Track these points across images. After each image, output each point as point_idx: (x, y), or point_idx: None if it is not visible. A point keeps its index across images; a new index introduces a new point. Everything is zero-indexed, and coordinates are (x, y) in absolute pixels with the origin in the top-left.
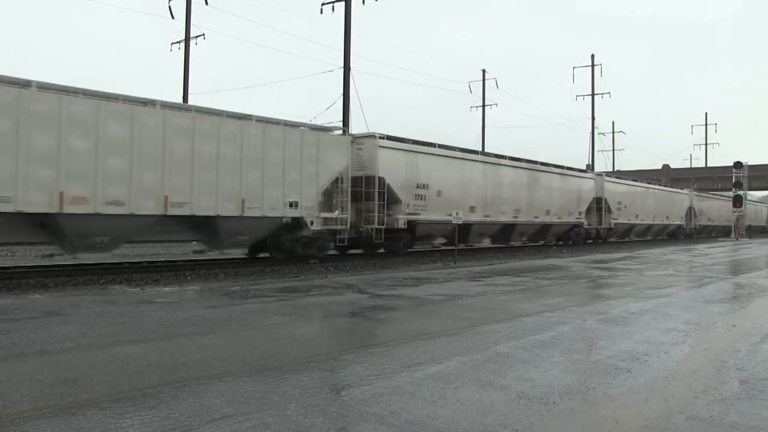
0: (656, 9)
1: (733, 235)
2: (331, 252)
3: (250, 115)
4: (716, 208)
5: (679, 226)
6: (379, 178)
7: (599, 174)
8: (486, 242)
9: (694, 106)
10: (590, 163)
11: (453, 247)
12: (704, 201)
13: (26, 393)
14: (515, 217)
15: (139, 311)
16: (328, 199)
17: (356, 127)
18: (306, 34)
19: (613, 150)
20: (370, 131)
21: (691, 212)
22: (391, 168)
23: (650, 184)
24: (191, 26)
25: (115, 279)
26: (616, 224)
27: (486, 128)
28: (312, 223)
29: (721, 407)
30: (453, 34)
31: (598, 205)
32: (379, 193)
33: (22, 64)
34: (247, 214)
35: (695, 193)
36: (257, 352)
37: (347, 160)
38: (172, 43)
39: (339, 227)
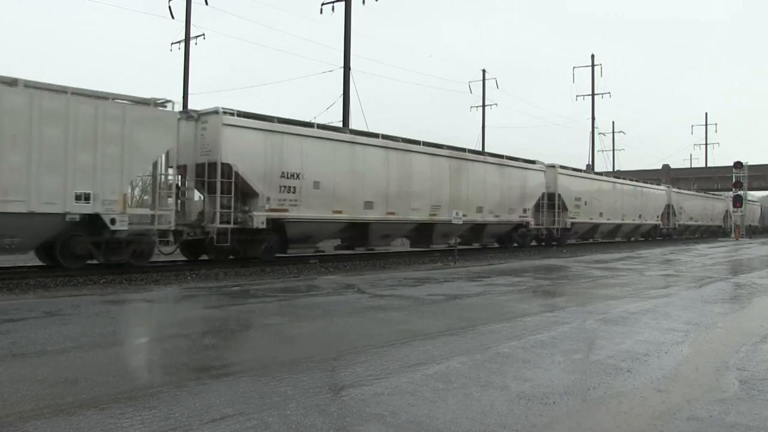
0: (656, 9)
1: (732, 234)
2: (173, 258)
3: (16, 79)
4: (701, 207)
5: (655, 226)
6: (226, 164)
7: (551, 166)
8: (400, 245)
9: (694, 106)
10: (590, 163)
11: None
12: (686, 199)
13: (26, 393)
14: (432, 215)
15: (139, 311)
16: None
17: (357, 127)
18: (306, 34)
19: (613, 150)
20: (214, 106)
21: (669, 210)
22: (243, 152)
23: (618, 178)
24: (191, 26)
25: (115, 279)
26: (573, 224)
27: (486, 128)
28: (114, 221)
29: (721, 407)
30: (453, 34)
31: (551, 202)
32: (227, 183)
33: (22, 63)
34: (3, 209)
35: (675, 189)
36: (257, 352)
37: (172, 141)
38: (172, 43)
39: (164, 227)
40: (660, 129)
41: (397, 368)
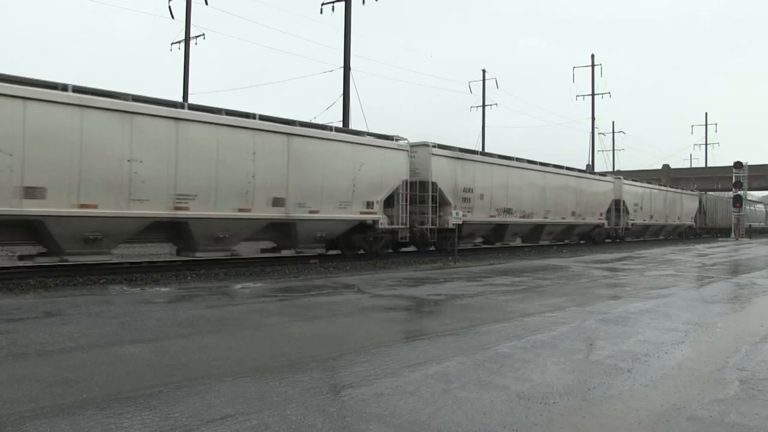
0: (656, 9)
1: (732, 235)
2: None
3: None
4: (665, 203)
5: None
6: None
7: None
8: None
9: (694, 106)
10: (590, 163)
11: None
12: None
13: (26, 393)
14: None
15: (139, 311)
16: None
17: (357, 127)
18: (306, 34)
19: (613, 150)
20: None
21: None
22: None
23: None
24: (191, 26)
25: (115, 279)
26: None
27: (486, 128)
28: None
29: (721, 407)
30: (454, 36)
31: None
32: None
33: (31, 64)
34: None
35: (627, 181)
36: (257, 352)
37: None
38: (172, 43)
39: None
40: (660, 129)
41: (397, 368)
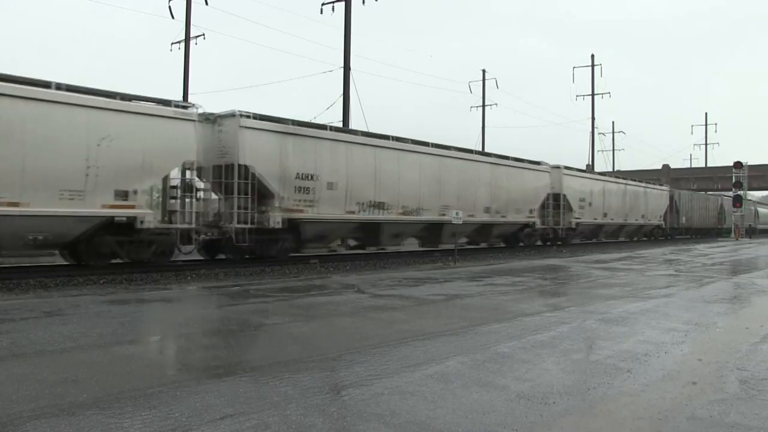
0: (655, 10)
1: (732, 235)
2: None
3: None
4: (624, 198)
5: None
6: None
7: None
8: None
9: (694, 106)
10: (590, 162)
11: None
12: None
13: (26, 393)
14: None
15: (139, 311)
16: None
17: (357, 127)
18: (306, 34)
19: (613, 150)
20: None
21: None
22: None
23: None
24: (191, 26)
25: (115, 279)
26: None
27: (486, 128)
28: None
29: (721, 407)
30: (454, 37)
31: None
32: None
33: (31, 64)
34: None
35: (571, 172)
36: (257, 351)
37: None
38: (172, 43)
39: None
40: (660, 129)
41: (397, 368)
